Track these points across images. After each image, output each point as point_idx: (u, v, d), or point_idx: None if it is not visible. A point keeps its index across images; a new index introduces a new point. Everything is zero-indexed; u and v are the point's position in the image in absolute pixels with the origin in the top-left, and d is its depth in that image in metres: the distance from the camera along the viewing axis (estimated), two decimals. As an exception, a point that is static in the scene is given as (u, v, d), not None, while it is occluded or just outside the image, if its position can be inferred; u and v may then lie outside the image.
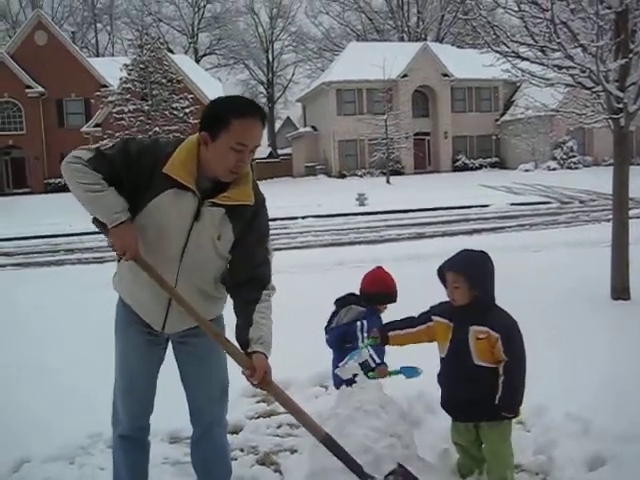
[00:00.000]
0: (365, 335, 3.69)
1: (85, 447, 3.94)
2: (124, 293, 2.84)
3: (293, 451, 3.77)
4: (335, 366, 3.77)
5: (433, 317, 3.32)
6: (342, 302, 4.10)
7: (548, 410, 3.86)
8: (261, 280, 2.72)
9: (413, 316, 3.42)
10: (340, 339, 3.88)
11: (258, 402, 4.65)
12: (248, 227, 2.68)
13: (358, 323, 3.79)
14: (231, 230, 2.65)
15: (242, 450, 3.81)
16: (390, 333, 3.39)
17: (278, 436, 4.04)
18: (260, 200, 2.74)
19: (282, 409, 4.42)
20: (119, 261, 2.76)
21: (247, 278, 2.69)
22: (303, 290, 7.38)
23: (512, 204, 23.99)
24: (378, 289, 4.05)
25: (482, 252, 3.28)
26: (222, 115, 2.52)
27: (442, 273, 3.24)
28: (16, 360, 5.85)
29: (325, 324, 4.12)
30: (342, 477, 2.73)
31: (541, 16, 6.31)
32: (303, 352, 4.77)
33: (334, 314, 4.09)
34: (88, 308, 7.98)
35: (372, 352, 3.54)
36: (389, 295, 4.06)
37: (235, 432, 3.97)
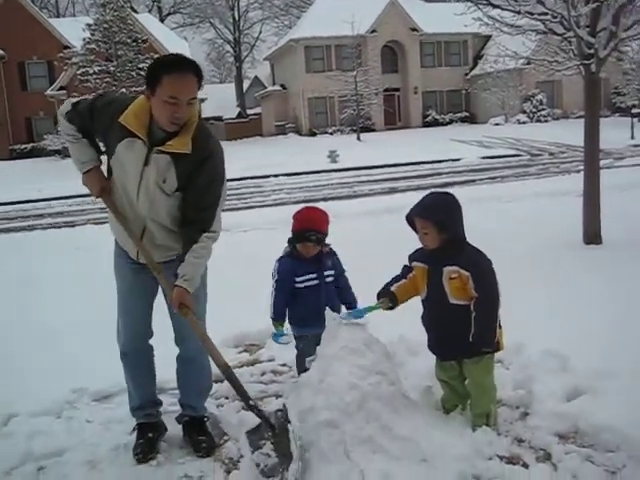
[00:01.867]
0: (274, 277, 3.73)
1: (71, 402, 3.97)
2: (112, 230, 3.33)
3: (277, 396, 3.83)
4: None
5: (412, 263, 3.36)
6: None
7: (526, 348, 3.95)
8: (203, 222, 3.03)
9: (397, 274, 3.46)
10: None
11: (240, 352, 4.71)
12: (195, 173, 2.99)
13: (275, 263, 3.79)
14: (174, 175, 2.98)
15: (227, 398, 3.86)
16: (393, 288, 3.37)
17: (262, 383, 4.11)
18: (209, 150, 3.04)
19: (264, 358, 4.54)
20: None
21: (192, 220, 3.03)
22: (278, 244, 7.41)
23: (483, 157, 24.17)
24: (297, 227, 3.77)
25: (447, 194, 3.33)
26: (156, 72, 2.87)
27: (411, 220, 3.28)
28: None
29: None
30: (325, 415, 2.79)
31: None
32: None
33: None
34: (64, 268, 7.96)
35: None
36: (299, 233, 3.73)
37: (220, 380, 4.00)
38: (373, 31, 41.56)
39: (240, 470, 3.00)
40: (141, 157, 2.97)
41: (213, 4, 63.56)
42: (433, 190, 3.49)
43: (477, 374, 3.22)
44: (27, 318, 5.91)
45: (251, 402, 3.08)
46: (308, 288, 3.71)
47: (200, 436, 3.31)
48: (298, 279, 3.72)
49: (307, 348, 3.62)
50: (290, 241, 3.78)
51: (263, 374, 4.23)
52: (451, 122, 43.39)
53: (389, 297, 3.35)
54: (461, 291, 3.13)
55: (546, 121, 39.33)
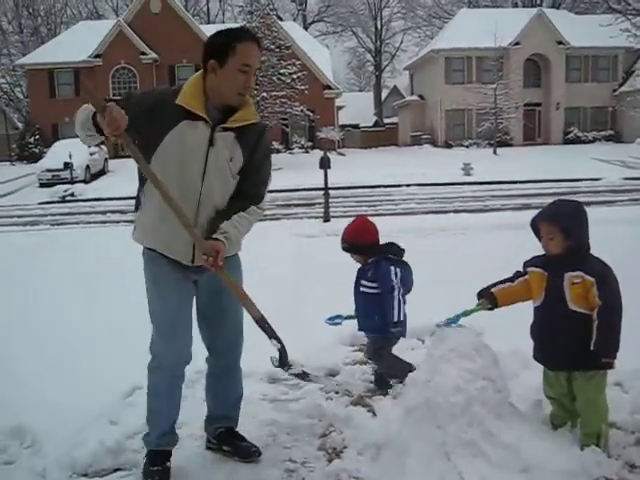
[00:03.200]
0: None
1: (193, 381, 4.15)
2: (148, 239, 3.00)
3: (385, 394, 3.88)
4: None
5: (527, 269, 3.33)
6: None
7: (648, 372, 3.79)
8: (254, 198, 3.02)
9: (506, 277, 3.43)
10: None
11: (354, 350, 4.80)
12: (255, 148, 2.98)
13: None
14: (241, 152, 2.94)
15: (337, 392, 3.95)
16: (494, 289, 3.37)
17: (371, 382, 4.16)
18: (263, 124, 3.11)
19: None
20: (136, 211, 3.06)
21: (244, 195, 3.00)
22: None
23: (626, 178, 23.02)
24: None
25: (575, 202, 3.29)
26: (228, 42, 2.82)
27: (535, 225, 3.25)
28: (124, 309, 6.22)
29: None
30: (429, 414, 2.82)
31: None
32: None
33: None
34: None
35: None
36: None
37: (331, 375, 4.12)
38: (517, 44, 40.57)
39: (342, 460, 3.09)
40: (205, 138, 2.86)
41: (356, 13, 64.41)
42: (561, 197, 3.42)
43: (588, 391, 3.13)
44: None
45: (282, 342, 3.05)
46: (354, 290, 4.10)
47: (244, 442, 3.29)
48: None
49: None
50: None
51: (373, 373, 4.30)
52: (594, 140, 41.57)
53: (488, 298, 3.34)
54: (582, 298, 3.07)
55: (700, 143, 36.93)
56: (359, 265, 4.07)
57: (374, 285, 3.91)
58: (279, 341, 3.03)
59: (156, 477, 3.01)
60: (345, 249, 4.06)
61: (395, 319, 3.77)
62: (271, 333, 3.02)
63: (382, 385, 3.99)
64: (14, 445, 3.37)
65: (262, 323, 2.99)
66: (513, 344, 4.06)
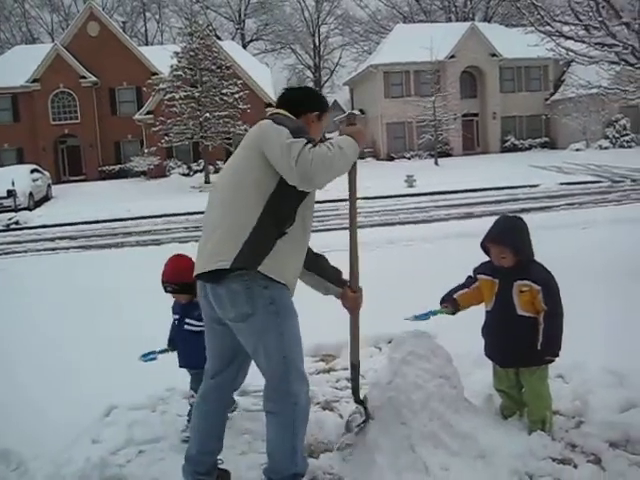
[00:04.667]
0: None
1: (164, 398, 4.42)
2: (282, 272, 2.92)
3: (349, 400, 4.16)
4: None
5: (478, 276, 3.67)
6: None
7: (586, 365, 4.15)
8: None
9: (461, 283, 3.77)
10: None
11: (317, 361, 5.09)
12: None
13: None
14: None
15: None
16: (455, 295, 3.69)
17: (337, 388, 4.45)
18: None
19: (339, 367, 4.88)
20: (279, 239, 2.90)
21: None
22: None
23: (562, 183, 23.88)
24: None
25: (517, 218, 3.62)
26: (325, 105, 3.31)
27: (485, 246, 3.59)
28: (88, 332, 6.38)
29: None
30: (393, 411, 3.12)
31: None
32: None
33: None
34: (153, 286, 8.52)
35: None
36: (162, 282, 3.89)
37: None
38: (452, 57, 41.74)
39: (317, 459, 3.36)
40: None
41: (294, 31, 65.21)
42: (503, 215, 3.76)
43: (534, 383, 3.49)
44: (126, 324, 6.41)
45: (361, 398, 3.44)
46: (176, 326, 4.01)
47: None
48: (174, 315, 4.04)
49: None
50: None
51: (337, 381, 4.59)
52: (530, 148, 42.96)
53: (451, 304, 3.67)
54: (529, 304, 3.42)
55: (630, 147, 38.48)
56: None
57: (201, 324, 3.53)
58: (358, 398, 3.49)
59: None
60: (175, 291, 3.83)
61: None
62: (356, 384, 3.51)
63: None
64: (0, 469, 3.54)
65: (356, 370, 3.46)
66: (465, 346, 4.40)
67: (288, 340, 2.94)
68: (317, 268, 3.34)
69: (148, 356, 4.06)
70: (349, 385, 4.45)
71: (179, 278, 3.75)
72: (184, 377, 4.56)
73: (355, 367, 3.44)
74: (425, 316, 3.70)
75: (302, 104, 3.19)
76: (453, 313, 3.70)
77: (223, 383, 3.20)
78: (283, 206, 2.90)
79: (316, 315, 5.67)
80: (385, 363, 3.47)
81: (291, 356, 2.95)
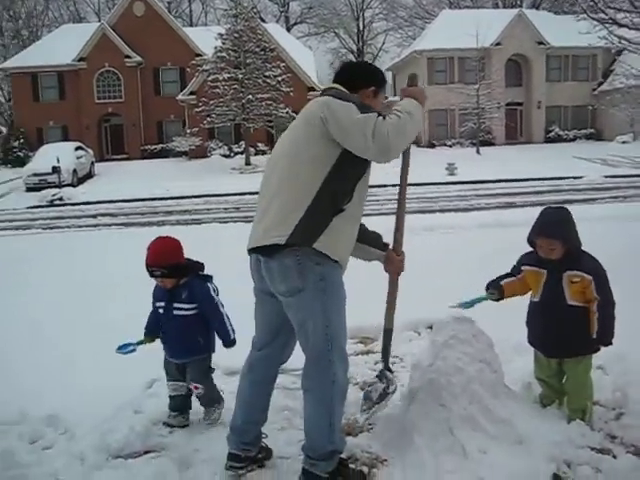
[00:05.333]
0: None
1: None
2: (337, 249, 2.96)
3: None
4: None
5: (522, 267, 3.66)
6: None
7: (628, 356, 4.11)
8: None
9: (507, 272, 3.76)
10: None
11: (356, 343, 5.13)
12: None
13: None
14: None
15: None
16: (502, 282, 3.70)
17: (375, 370, 4.46)
18: None
19: (377, 349, 4.90)
20: (335, 217, 2.91)
21: None
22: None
23: (606, 176, 23.51)
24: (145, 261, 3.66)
25: (563, 209, 3.60)
26: (384, 81, 3.31)
27: (532, 240, 3.58)
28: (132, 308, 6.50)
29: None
30: (433, 394, 3.14)
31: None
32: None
33: None
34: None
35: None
36: (147, 267, 3.63)
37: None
38: (498, 44, 41.10)
39: (356, 437, 3.41)
40: None
41: (339, 14, 64.81)
42: (548, 206, 3.73)
43: (579, 372, 3.50)
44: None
45: (389, 365, 3.55)
46: (160, 315, 3.76)
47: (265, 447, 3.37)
48: (156, 303, 3.79)
49: (166, 369, 3.85)
50: None
51: (376, 363, 4.60)
52: (575, 139, 42.20)
53: (497, 290, 3.67)
54: (579, 294, 3.42)
55: (679, 140, 37.62)
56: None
57: (192, 306, 3.64)
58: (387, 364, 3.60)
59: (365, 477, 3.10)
60: (163, 275, 3.61)
61: (232, 336, 3.68)
62: (387, 350, 3.60)
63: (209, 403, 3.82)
64: (50, 432, 3.66)
65: (388, 336, 3.56)
66: (506, 332, 4.39)
67: (333, 318, 2.96)
68: (362, 236, 3.26)
69: (126, 348, 3.81)
70: (387, 367, 4.51)
71: (167, 259, 3.58)
72: (227, 354, 4.64)
73: (388, 332, 3.52)
74: (470, 304, 3.73)
75: (359, 79, 3.20)
76: (498, 300, 3.70)
77: (270, 355, 3.23)
78: (342, 183, 2.92)
79: (358, 297, 5.72)
80: (427, 346, 3.49)
81: (334, 333, 2.97)
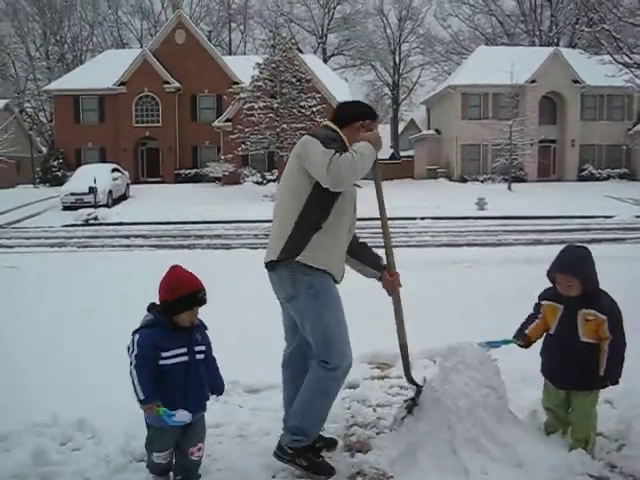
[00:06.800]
0: (133, 353, 3.10)
1: (227, 390, 4.67)
2: (320, 260, 3.47)
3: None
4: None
5: (542, 301, 3.83)
6: (148, 306, 3.32)
7: (636, 391, 4.23)
8: None
9: (530, 313, 3.92)
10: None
11: (373, 368, 5.30)
12: None
13: (131, 336, 3.17)
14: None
15: (357, 401, 4.45)
16: (526, 330, 3.85)
17: (389, 394, 4.66)
18: None
19: (393, 375, 5.08)
20: (315, 233, 3.44)
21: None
22: (416, 283, 7.93)
23: (637, 216, 23.40)
24: (172, 295, 3.19)
25: (583, 248, 3.75)
26: (374, 115, 3.80)
27: (552, 275, 3.73)
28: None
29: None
30: (439, 415, 3.31)
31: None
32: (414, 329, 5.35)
33: None
34: (228, 287, 8.87)
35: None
36: (196, 293, 3.22)
37: (353, 387, 4.63)
38: (533, 81, 41.28)
39: (365, 454, 3.57)
40: None
41: (375, 47, 65.57)
42: (569, 245, 3.86)
43: (586, 404, 3.64)
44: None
45: (412, 377, 3.81)
46: (176, 366, 3.15)
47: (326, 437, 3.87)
48: (165, 354, 3.14)
49: (157, 442, 3.25)
50: (164, 309, 3.20)
51: (391, 387, 4.80)
52: (609, 178, 42.01)
53: (523, 339, 3.83)
54: (593, 332, 3.56)
55: None
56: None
57: (204, 348, 3.36)
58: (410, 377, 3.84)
59: (329, 467, 3.50)
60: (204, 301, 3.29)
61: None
62: (407, 364, 3.85)
63: None
64: (78, 435, 3.89)
65: (404, 351, 3.83)
66: (514, 363, 4.54)
67: (326, 319, 3.46)
68: (360, 255, 3.86)
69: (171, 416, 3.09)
70: (401, 392, 4.69)
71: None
72: (246, 371, 4.84)
73: (403, 348, 3.84)
74: (497, 344, 3.87)
75: (347, 116, 3.71)
76: (525, 347, 3.85)
77: (295, 351, 3.75)
78: (317, 206, 3.46)
79: (375, 325, 5.92)
80: (436, 370, 3.66)
81: (329, 333, 3.46)
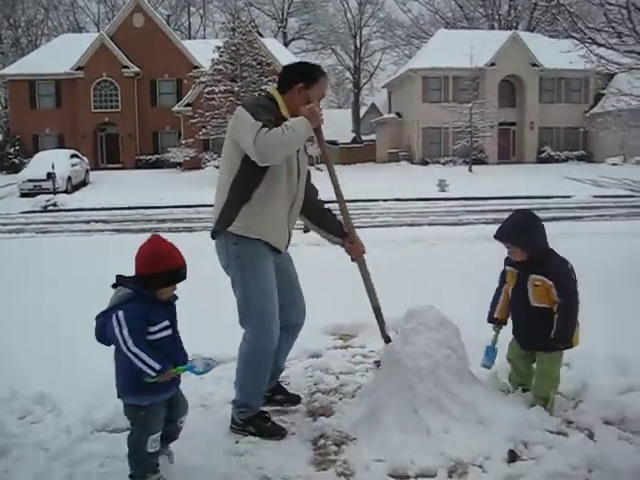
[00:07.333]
0: (123, 331, 2.83)
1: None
2: (255, 229, 3.51)
3: (364, 372, 4.40)
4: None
5: (506, 267, 3.87)
6: (118, 281, 3.04)
7: (592, 352, 4.30)
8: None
9: (496, 287, 3.96)
10: (101, 335, 2.98)
11: (335, 339, 5.32)
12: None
13: (113, 319, 2.88)
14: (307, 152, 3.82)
15: (320, 370, 4.47)
16: (495, 314, 3.90)
17: (352, 363, 4.68)
18: None
19: (356, 345, 5.11)
20: (245, 204, 3.47)
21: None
22: (378, 260, 7.97)
23: (595, 196, 23.84)
24: (155, 268, 2.95)
25: (528, 214, 3.79)
26: (314, 73, 3.65)
27: (497, 239, 3.78)
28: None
29: None
30: (400, 376, 3.34)
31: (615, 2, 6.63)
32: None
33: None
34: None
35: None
36: (175, 272, 3.00)
37: (316, 356, 4.65)
38: (492, 64, 41.61)
39: (327, 418, 3.60)
40: None
41: (336, 32, 65.30)
42: (515, 210, 3.91)
43: (546, 363, 3.71)
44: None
45: (387, 335, 3.84)
46: (163, 340, 2.98)
47: (287, 392, 4.03)
48: (152, 329, 2.95)
49: (154, 421, 3.02)
50: (143, 283, 2.96)
51: (354, 356, 4.82)
52: (567, 160, 42.63)
53: (496, 323, 3.90)
54: (543, 297, 3.61)
55: (669, 163, 38.02)
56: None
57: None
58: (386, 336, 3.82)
59: (278, 430, 3.57)
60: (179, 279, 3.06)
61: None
62: (382, 325, 3.84)
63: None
64: (38, 409, 3.84)
65: (378, 312, 3.85)
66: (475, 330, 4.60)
67: (249, 289, 3.52)
68: (324, 223, 3.95)
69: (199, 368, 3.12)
70: (364, 360, 4.72)
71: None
72: (208, 343, 4.80)
73: (377, 310, 3.89)
74: (492, 357, 3.88)
75: (288, 79, 3.64)
76: (503, 325, 3.91)
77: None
78: (247, 177, 3.48)
79: (336, 298, 5.97)
80: (398, 332, 3.69)
81: (251, 303, 3.52)
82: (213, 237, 3.65)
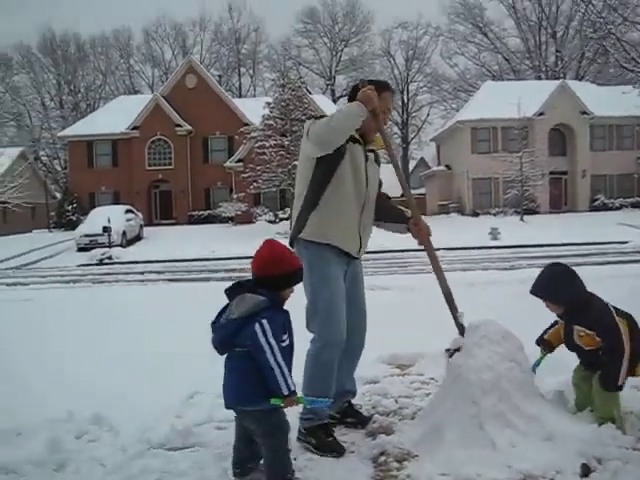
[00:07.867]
0: (270, 340, 2.82)
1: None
2: (323, 234, 3.65)
3: (427, 394, 4.28)
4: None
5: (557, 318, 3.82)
6: (233, 291, 3.02)
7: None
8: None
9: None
10: (229, 341, 2.91)
11: (393, 368, 5.21)
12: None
13: (257, 327, 2.82)
14: (376, 165, 3.93)
15: (378, 395, 4.36)
16: (545, 336, 3.85)
17: (410, 388, 4.56)
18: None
19: (413, 373, 4.99)
20: (313, 210, 3.64)
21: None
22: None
23: (652, 241, 23.23)
24: (278, 269, 2.99)
25: (557, 266, 3.71)
26: (379, 85, 3.73)
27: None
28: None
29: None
30: (463, 390, 3.22)
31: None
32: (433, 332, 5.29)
33: (224, 308, 3.04)
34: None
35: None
36: (293, 273, 3.07)
37: (373, 382, 4.56)
38: (541, 114, 41.43)
39: (388, 435, 3.50)
40: (362, 154, 3.73)
41: (384, 88, 66.13)
42: (549, 263, 3.81)
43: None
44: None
45: (461, 324, 3.68)
46: (285, 350, 2.94)
47: (360, 412, 3.96)
48: (284, 336, 2.96)
49: (286, 421, 3.03)
50: (270, 286, 2.94)
51: (412, 382, 4.71)
52: (621, 207, 41.76)
53: (544, 344, 3.84)
54: (591, 342, 3.55)
55: None
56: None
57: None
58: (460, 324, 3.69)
59: (338, 447, 3.49)
60: (298, 280, 3.18)
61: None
62: (454, 312, 3.73)
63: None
64: (94, 429, 3.83)
65: (449, 298, 3.76)
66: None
67: (316, 289, 3.61)
68: (384, 215, 4.02)
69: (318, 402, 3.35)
70: (422, 387, 4.60)
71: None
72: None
73: (448, 295, 3.80)
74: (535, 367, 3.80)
75: (355, 93, 3.69)
76: (550, 352, 3.84)
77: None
78: (314, 186, 3.65)
79: (389, 330, 5.88)
80: (459, 349, 3.58)
81: (316, 304, 3.60)
82: (291, 245, 3.74)
